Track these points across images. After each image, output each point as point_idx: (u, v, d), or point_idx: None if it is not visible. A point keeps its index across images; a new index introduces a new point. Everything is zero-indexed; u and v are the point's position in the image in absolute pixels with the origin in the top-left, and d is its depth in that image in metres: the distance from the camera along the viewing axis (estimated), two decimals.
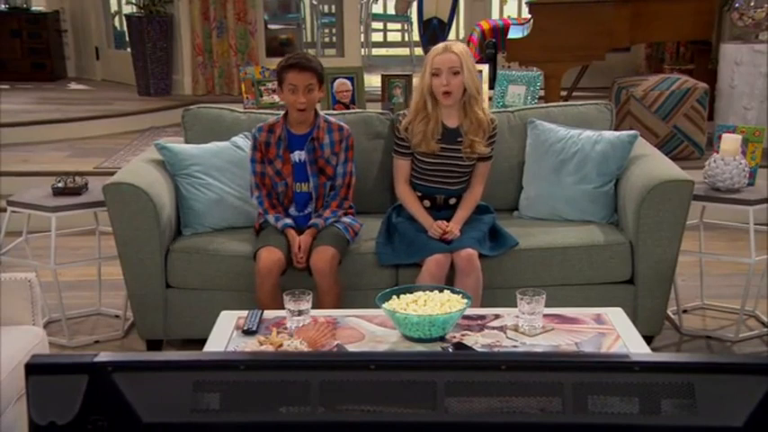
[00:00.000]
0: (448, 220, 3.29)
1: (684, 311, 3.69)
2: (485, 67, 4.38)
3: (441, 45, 3.27)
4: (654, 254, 3.26)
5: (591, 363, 1.34)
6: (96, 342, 3.56)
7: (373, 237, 3.35)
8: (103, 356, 1.30)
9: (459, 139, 3.28)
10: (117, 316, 3.73)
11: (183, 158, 3.44)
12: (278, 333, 2.60)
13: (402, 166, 3.35)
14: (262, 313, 2.74)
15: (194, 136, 3.64)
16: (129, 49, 6.95)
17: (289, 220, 3.26)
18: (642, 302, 3.30)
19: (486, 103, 3.31)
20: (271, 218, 3.27)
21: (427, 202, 3.34)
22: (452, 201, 3.35)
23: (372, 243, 3.33)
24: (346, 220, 3.32)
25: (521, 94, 4.35)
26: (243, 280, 3.23)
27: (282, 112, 3.35)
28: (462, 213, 3.29)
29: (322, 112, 3.36)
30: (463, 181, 3.35)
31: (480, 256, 3.15)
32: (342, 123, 3.35)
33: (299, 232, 3.24)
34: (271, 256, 3.12)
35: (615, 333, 2.63)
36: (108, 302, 3.82)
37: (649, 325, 3.30)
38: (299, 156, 3.27)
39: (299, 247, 3.17)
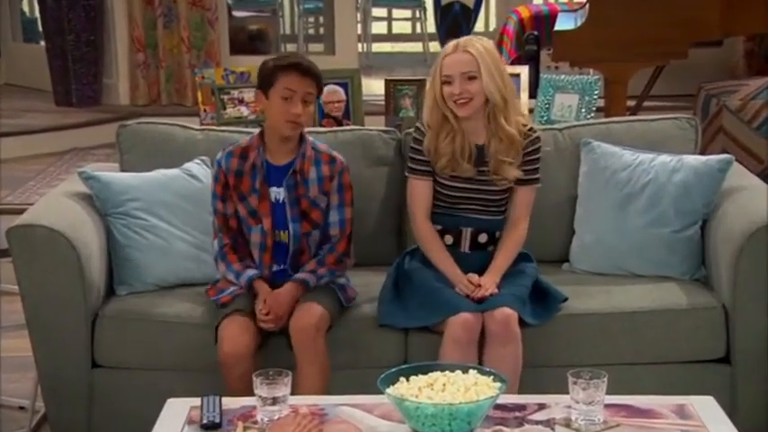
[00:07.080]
0: (478, 263, 3.30)
1: None
2: (523, 69, 4.43)
3: (452, 43, 3.32)
4: (757, 323, 3.27)
5: None
6: None
7: (374, 296, 3.38)
8: None
9: (488, 160, 3.33)
10: (22, 407, 3.73)
11: (117, 192, 3.47)
12: (245, 429, 2.61)
13: (421, 192, 3.36)
14: (220, 399, 2.74)
15: (134, 161, 3.68)
16: (42, 43, 7.03)
17: (254, 271, 3.27)
18: (742, 388, 3.30)
19: (520, 114, 3.36)
20: (230, 274, 3.28)
21: (449, 238, 3.36)
22: (482, 238, 3.38)
23: (373, 305, 3.34)
24: (341, 280, 3.34)
25: (572, 105, 4.39)
26: (197, 355, 3.24)
27: (256, 131, 3.36)
28: (501, 262, 3.30)
29: (310, 137, 3.36)
30: (497, 212, 3.38)
31: (521, 322, 3.17)
32: (334, 153, 3.35)
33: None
34: (236, 335, 3.10)
35: (705, 431, 2.63)
36: (11, 389, 3.82)
37: (752, 419, 3.30)
38: (275, 194, 3.29)
39: (267, 303, 3.14)
